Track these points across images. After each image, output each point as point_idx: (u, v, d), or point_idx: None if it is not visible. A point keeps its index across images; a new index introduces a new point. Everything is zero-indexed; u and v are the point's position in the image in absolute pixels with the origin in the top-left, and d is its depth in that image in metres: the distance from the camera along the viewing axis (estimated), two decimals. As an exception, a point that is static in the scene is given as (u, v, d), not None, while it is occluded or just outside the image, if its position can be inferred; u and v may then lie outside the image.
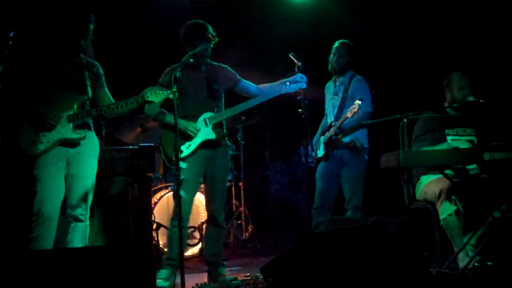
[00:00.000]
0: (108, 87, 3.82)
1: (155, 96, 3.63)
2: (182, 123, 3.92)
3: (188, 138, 3.97)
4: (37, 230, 3.43)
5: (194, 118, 4.02)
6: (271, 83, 4.25)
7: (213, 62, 4.20)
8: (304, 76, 4.19)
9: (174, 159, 3.56)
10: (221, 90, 4.13)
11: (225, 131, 4.13)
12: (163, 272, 3.88)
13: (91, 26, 3.61)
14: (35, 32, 3.84)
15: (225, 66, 4.23)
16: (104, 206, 4.30)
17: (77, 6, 3.60)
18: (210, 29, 4.01)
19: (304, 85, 4.18)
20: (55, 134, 3.51)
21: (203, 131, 4.01)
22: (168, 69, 4.06)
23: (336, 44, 4.76)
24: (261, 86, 4.24)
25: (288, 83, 4.17)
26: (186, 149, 3.99)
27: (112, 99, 3.75)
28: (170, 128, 3.91)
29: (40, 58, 3.59)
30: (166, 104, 3.90)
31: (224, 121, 4.15)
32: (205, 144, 4.02)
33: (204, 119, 4.03)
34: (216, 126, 4.05)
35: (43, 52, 3.62)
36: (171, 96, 3.59)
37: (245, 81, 4.23)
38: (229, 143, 4.26)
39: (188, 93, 4.02)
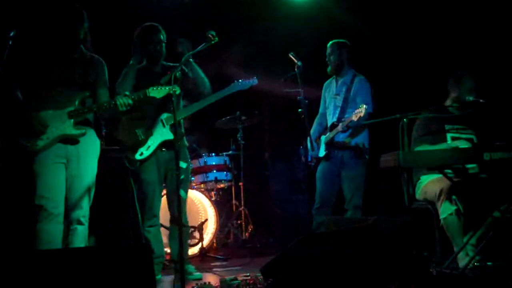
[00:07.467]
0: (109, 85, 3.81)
1: (157, 91, 3.70)
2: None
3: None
4: (40, 225, 3.44)
5: (151, 119, 4.02)
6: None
7: (169, 63, 4.17)
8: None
9: (135, 160, 3.84)
10: None
11: (183, 130, 4.15)
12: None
13: (85, 24, 3.61)
14: (34, 31, 3.84)
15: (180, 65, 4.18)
16: (104, 206, 4.30)
17: (68, 4, 3.60)
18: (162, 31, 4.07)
19: (255, 81, 4.22)
20: (54, 130, 3.51)
21: (161, 132, 4.02)
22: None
23: (327, 46, 4.77)
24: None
25: (240, 80, 4.19)
26: (146, 150, 4.01)
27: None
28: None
29: (41, 56, 3.59)
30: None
31: (182, 121, 4.17)
32: (164, 145, 4.03)
33: (161, 120, 4.04)
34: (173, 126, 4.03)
35: (43, 50, 3.62)
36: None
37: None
38: (187, 144, 4.24)
39: None
